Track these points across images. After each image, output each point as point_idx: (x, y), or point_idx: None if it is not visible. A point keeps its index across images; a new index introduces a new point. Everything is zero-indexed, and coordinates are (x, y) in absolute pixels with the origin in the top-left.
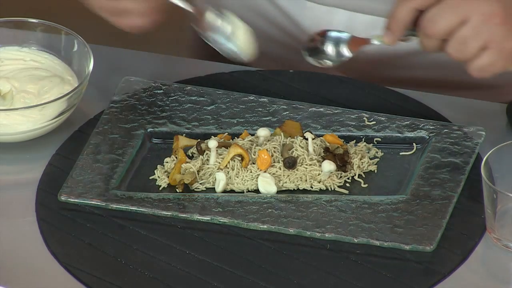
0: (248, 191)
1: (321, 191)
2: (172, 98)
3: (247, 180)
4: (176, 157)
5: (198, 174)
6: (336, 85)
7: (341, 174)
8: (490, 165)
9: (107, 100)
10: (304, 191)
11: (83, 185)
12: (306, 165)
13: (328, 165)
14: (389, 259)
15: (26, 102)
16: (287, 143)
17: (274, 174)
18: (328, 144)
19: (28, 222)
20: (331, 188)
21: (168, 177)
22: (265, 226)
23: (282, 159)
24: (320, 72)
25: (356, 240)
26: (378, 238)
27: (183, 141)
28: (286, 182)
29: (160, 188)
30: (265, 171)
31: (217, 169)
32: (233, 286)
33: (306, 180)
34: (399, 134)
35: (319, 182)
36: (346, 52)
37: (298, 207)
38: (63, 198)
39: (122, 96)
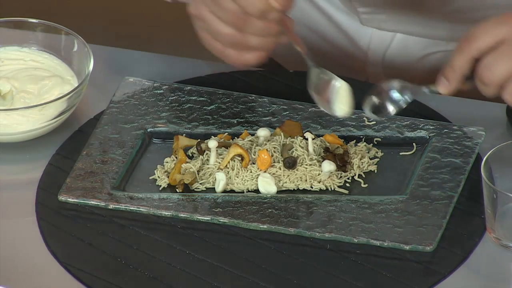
0: (248, 191)
1: (321, 191)
2: (172, 98)
3: (247, 180)
4: (176, 157)
5: (198, 174)
6: None
7: (341, 174)
8: (490, 165)
9: (107, 100)
10: (304, 191)
11: (83, 185)
12: (306, 165)
13: (328, 165)
14: (389, 259)
15: (26, 102)
16: (287, 143)
17: (274, 174)
18: (328, 144)
19: (28, 222)
20: (331, 188)
21: (168, 177)
22: (265, 226)
23: (282, 159)
24: None
25: (356, 240)
26: (378, 238)
27: (183, 141)
28: (286, 182)
29: (160, 188)
30: (265, 171)
31: (217, 169)
32: (233, 286)
33: (306, 180)
34: (399, 134)
35: (319, 182)
36: (401, 102)
37: (298, 207)
38: (63, 198)
39: (122, 96)
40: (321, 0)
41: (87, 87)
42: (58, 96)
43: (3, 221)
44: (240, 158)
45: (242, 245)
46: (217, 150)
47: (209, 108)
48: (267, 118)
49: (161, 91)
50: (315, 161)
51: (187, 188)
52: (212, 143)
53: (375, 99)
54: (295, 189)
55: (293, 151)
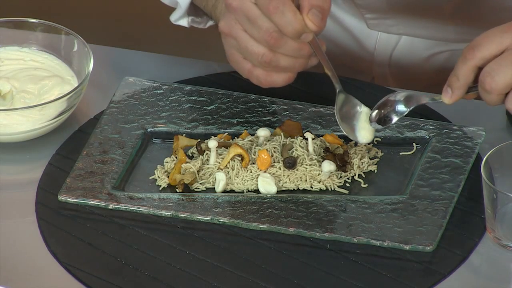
0: (248, 191)
1: (321, 191)
2: (172, 98)
3: (247, 180)
4: (176, 157)
5: (198, 174)
6: None
7: (341, 174)
8: (490, 165)
9: (107, 100)
10: (304, 191)
11: (83, 185)
12: (306, 165)
13: (328, 165)
14: (389, 259)
15: (26, 102)
16: (287, 143)
17: (274, 174)
18: (328, 144)
19: (28, 222)
20: (331, 188)
21: (168, 177)
22: (265, 226)
23: (282, 159)
24: (320, 72)
25: (356, 240)
26: (378, 238)
27: (183, 141)
28: (286, 182)
29: (160, 188)
30: (265, 171)
31: (217, 169)
32: (233, 286)
33: (306, 180)
34: (399, 134)
35: (319, 182)
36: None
37: (298, 207)
38: (63, 198)
39: (122, 96)
40: None
41: (87, 87)
42: (58, 96)
43: (3, 221)
44: (240, 158)
45: (242, 245)
46: (217, 150)
47: (209, 108)
48: (267, 118)
49: (161, 91)
50: (315, 161)
51: (187, 188)
52: (212, 143)
53: (381, 111)
54: (295, 189)
55: (293, 151)
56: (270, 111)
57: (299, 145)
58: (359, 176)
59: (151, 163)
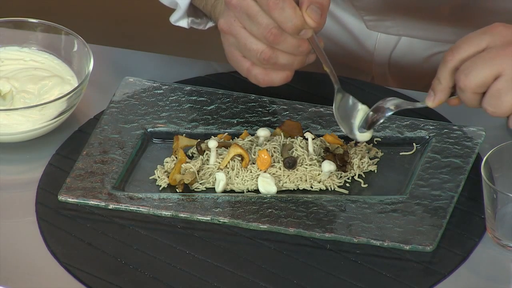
0: (248, 191)
1: (321, 191)
2: (172, 98)
3: (247, 180)
4: (176, 157)
5: (198, 174)
6: None
7: (341, 174)
8: (490, 165)
9: (107, 100)
10: (304, 191)
11: (83, 185)
12: (306, 165)
13: (328, 165)
14: (389, 259)
15: (26, 102)
16: (287, 143)
17: (274, 174)
18: (328, 144)
19: (28, 222)
20: (331, 188)
21: (168, 177)
22: (265, 226)
23: (282, 159)
24: (320, 72)
25: (356, 240)
26: (378, 238)
27: (183, 141)
28: (286, 182)
29: (160, 188)
30: (265, 171)
31: (217, 169)
32: (233, 286)
33: (306, 180)
34: (399, 134)
35: (319, 182)
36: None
37: (298, 207)
38: (63, 198)
39: (122, 96)
40: None
41: (87, 87)
42: (58, 96)
43: (3, 221)
44: (240, 158)
45: (242, 245)
46: (217, 150)
47: (209, 108)
48: (267, 118)
49: (161, 91)
50: (315, 161)
51: (187, 188)
52: (212, 143)
53: (370, 116)
54: (295, 189)
55: (293, 151)
56: (270, 111)
57: (299, 145)
58: (359, 176)
59: (151, 163)
